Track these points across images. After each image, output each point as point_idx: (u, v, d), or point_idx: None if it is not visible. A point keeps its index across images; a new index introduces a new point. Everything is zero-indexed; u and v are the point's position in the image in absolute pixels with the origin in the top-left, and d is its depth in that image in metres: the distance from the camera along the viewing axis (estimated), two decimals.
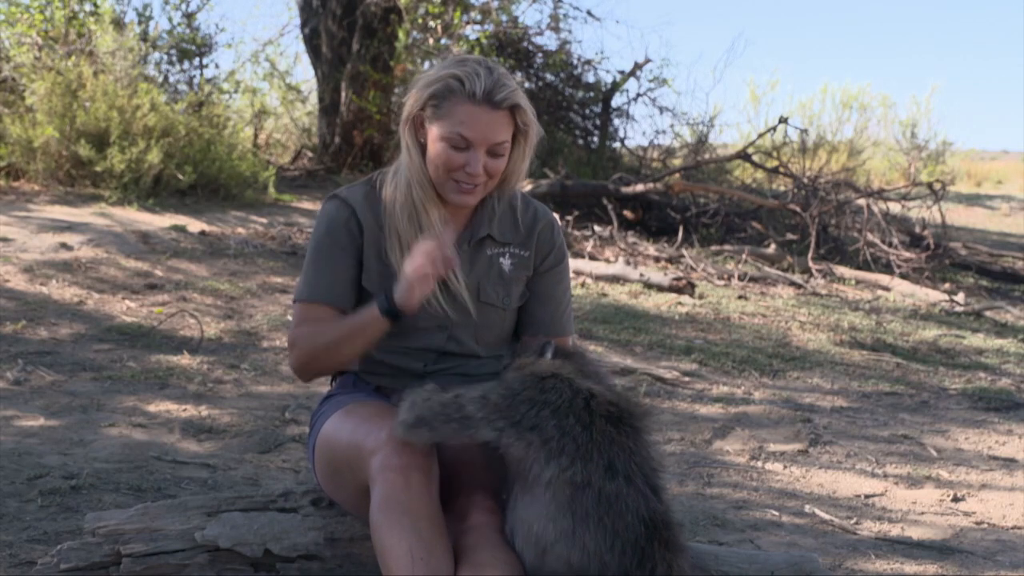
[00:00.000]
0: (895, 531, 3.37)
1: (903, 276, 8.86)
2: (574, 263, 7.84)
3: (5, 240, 6.82)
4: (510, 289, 2.31)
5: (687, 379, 5.16)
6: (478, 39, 10.14)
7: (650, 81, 11.54)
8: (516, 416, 1.92)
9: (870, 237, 9.36)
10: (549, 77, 11.34)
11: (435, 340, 2.28)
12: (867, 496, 3.72)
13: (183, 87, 10.56)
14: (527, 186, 9.08)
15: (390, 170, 2.30)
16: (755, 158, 10.22)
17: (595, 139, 11.62)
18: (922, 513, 3.57)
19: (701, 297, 7.39)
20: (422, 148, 2.22)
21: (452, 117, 2.14)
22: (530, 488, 1.90)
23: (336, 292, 2.25)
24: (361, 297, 2.28)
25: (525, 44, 11.00)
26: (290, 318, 3.58)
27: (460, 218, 2.30)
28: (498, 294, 2.30)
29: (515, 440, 1.90)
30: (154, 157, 8.35)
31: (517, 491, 1.95)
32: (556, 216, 2.42)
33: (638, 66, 11.29)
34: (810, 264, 8.89)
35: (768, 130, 10.44)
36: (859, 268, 9.15)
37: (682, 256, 8.75)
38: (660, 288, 7.42)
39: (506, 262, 2.31)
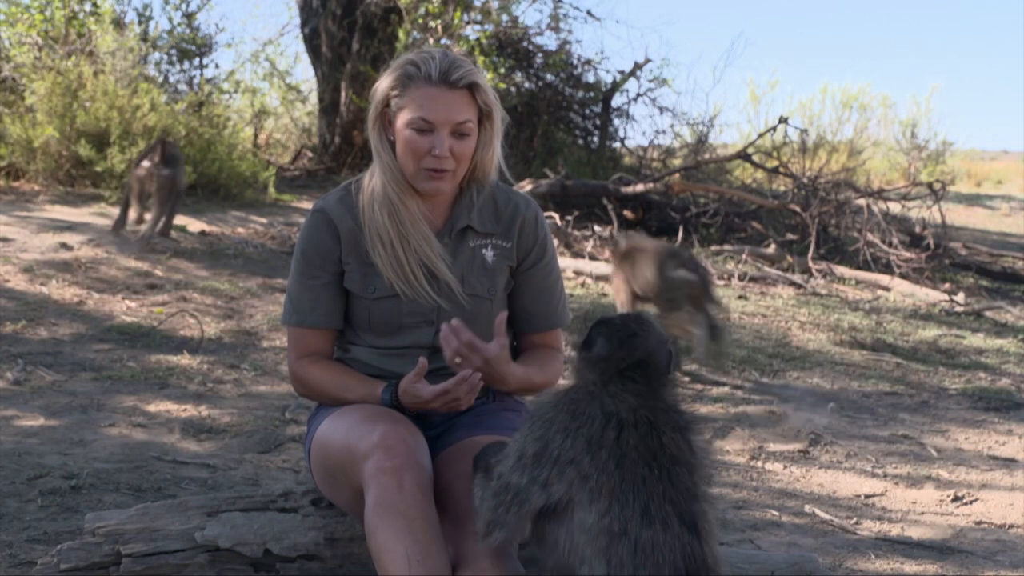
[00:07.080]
0: (895, 531, 3.37)
1: (903, 276, 8.84)
2: (574, 263, 7.84)
3: (5, 240, 6.82)
4: (494, 279, 2.32)
5: (687, 379, 5.16)
6: (478, 39, 10.14)
7: (650, 81, 11.55)
8: (553, 452, 1.84)
9: (870, 237, 9.35)
10: (549, 77, 11.33)
11: (423, 336, 2.28)
12: (867, 496, 3.72)
13: (183, 87, 10.57)
14: (527, 186, 9.08)
15: (365, 175, 2.33)
16: (755, 158, 10.21)
17: (595, 139, 11.61)
18: (922, 513, 3.57)
19: None
20: (392, 146, 2.26)
21: (413, 102, 2.19)
22: (566, 524, 1.82)
23: (321, 313, 2.29)
24: (347, 297, 2.31)
25: (525, 44, 11.00)
26: None
27: (439, 209, 2.31)
28: (483, 285, 2.30)
29: (558, 482, 1.83)
30: None
31: (547, 526, 1.87)
32: (538, 204, 2.40)
33: (638, 66, 11.29)
34: (810, 264, 8.88)
35: (768, 130, 10.43)
36: (859, 268, 9.13)
37: None
38: None
39: (488, 253, 2.32)
